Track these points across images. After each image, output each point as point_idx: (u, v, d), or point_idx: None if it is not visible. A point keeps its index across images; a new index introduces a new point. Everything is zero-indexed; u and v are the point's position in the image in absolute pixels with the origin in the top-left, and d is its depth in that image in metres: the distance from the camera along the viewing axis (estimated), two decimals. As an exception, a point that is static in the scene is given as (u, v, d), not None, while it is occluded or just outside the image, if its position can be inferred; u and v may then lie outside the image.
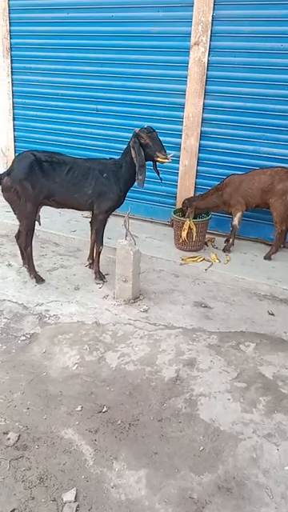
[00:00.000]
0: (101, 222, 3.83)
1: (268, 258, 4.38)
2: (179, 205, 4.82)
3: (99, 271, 3.98)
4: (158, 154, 3.58)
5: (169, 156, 3.62)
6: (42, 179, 3.56)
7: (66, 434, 2.38)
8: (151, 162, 3.71)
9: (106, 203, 3.73)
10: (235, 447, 2.31)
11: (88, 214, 4.12)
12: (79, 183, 3.64)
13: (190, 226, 4.32)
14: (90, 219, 3.97)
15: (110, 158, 3.84)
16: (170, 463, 2.23)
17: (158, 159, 3.62)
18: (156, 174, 3.83)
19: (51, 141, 5.68)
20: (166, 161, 3.63)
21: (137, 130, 3.60)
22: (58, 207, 3.86)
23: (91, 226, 3.99)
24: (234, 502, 2.05)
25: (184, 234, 4.34)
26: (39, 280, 3.87)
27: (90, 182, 3.66)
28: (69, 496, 2.03)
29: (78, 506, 2.00)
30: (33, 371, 2.83)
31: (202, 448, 2.31)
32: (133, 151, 3.56)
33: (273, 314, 3.55)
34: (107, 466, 2.21)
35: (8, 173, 3.58)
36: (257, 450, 2.30)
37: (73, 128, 5.53)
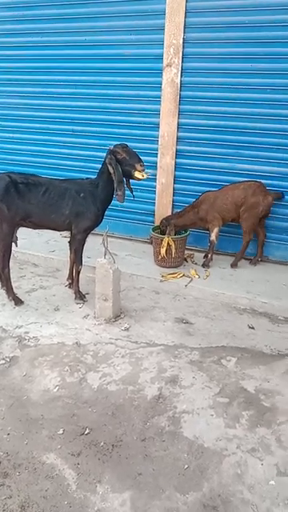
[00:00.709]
0: (79, 242, 3.83)
1: (234, 265, 4.54)
2: (158, 222, 4.86)
3: (79, 291, 3.96)
4: (136, 165, 3.61)
5: (146, 173, 3.66)
6: (18, 201, 3.55)
7: (47, 458, 2.33)
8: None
9: (84, 223, 3.74)
10: (220, 464, 2.30)
11: (67, 233, 4.12)
12: (56, 204, 3.65)
13: (168, 243, 4.35)
14: (68, 239, 3.97)
15: (87, 178, 3.86)
16: (154, 483, 2.20)
17: (137, 174, 3.63)
18: (129, 192, 3.86)
19: (28, 162, 5.69)
20: (144, 176, 3.65)
21: (111, 147, 3.64)
22: (36, 228, 3.85)
23: (70, 245, 3.98)
24: (220, 520, 2.03)
25: (163, 250, 4.37)
26: (18, 302, 3.82)
27: (66, 203, 3.66)
28: (51, 523, 1.98)
29: (61, 534, 1.95)
30: (13, 395, 2.78)
31: (186, 466, 2.29)
32: (110, 168, 3.59)
33: (253, 328, 3.58)
34: (91, 489, 2.17)
35: None
36: (241, 465, 2.29)
37: (50, 149, 5.55)
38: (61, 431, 2.50)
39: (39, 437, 2.47)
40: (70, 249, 3.98)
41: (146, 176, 3.67)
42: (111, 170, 3.59)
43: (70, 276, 4.13)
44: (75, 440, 2.45)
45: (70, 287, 4.13)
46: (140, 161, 3.64)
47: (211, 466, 2.28)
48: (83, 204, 3.69)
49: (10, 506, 2.07)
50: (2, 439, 2.44)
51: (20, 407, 2.68)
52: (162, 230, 4.59)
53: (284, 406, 2.66)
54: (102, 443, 2.42)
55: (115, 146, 3.65)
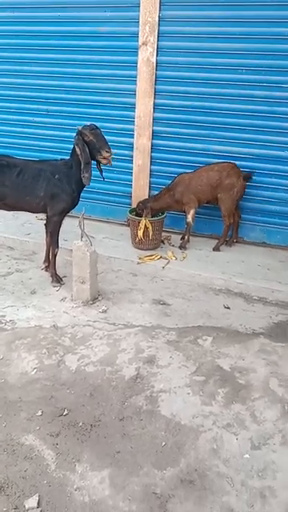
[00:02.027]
0: (55, 224, 3.78)
1: (217, 249, 4.55)
2: (135, 204, 4.84)
3: (56, 274, 3.94)
4: (101, 151, 3.55)
5: (111, 154, 3.58)
6: None
7: (26, 440, 2.35)
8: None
9: (60, 205, 3.70)
10: (196, 440, 2.36)
11: (42, 216, 4.07)
12: (30, 185, 3.58)
13: (145, 225, 4.35)
14: (44, 221, 3.92)
15: (61, 159, 3.80)
16: (132, 461, 2.25)
17: (102, 158, 3.59)
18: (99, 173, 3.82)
19: (2, 143, 5.55)
20: (108, 161, 3.59)
21: (80, 127, 3.58)
22: (10, 210, 3.79)
23: (46, 228, 3.93)
24: (197, 494, 2.09)
25: (140, 232, 4.37)
26: (-6, 286, 3.78)
27: (41, 184, 3.60)
28: (31, 502, 2.00)
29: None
30: (-10, 379, 2.77)
31: (164, 443, 2.34)
32: (77, 148, 3.54)
33: (228, 308, 3.65)
34: (70, 468, 2.20)
35: None
36: (217, 440, 2.36)
37: (24, 129, 5.42)
38: (39, 413, 2.51)
39: (17, 419, 2.48)
40: (46, 231, 3.94)
41: (109, 163, 3.62)
42: (78, 151, 3.54)
43: (47, 259, 4.09)
44: (54, 421, 2.47)
45: (46, 270, 4.09)
46: (106, 146, 3.57)
47: (188, 443, 2.34)
48: (58, 185, 3.64)
49: (-11, 488, 2.08)
50: (-20, 422, 2.44)
51: (-3, 390, 2.67)
52: (138, 213, 4.58)
53: (258, 382, 2.73)
54: (80, 423, 2.45)
55: (83, 126, 3.57)
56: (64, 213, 3.78)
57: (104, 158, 3.59)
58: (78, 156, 3.59)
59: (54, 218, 3.75)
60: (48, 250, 4.03)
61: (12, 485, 2.10)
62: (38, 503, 2.01)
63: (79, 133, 3.56)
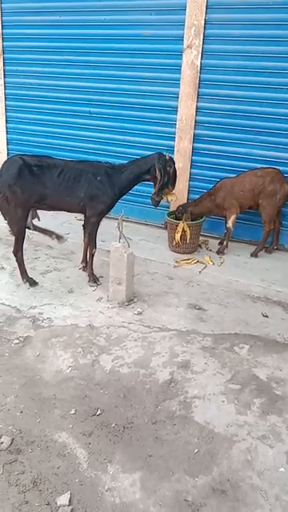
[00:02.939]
0: (93, 225, 3.82)
1: (255, 255, 4.46)
2: (173, 207, 4.82)
3: (93, 274, 3.97)
4: (169, 186, 3.78)
5: (171, 199, 3.95)
6: (32, 184, 3.54)
7: (59, 437, 2.37)
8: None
9: (99, 206, 3.73)
10: (230, 449, 2.31)
11: (81, 216, 4.11)
12: (71, 186, 3.63)
13: (183, 229, 4.32)
14: (82, 222, 3.97)
15: (106, 162, 3.83)
16: (164, 466, 2.22)
17: (167, 193, 3.84)
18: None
19: (44, 143, 5.67)
20: (167, 199, 3.93)
21: (168, 155, 3.75)
22: (50, 210, 3.85)
23: (84, 228, 3.98)
24: (229, 504, 2.04)
25: (178, 236, 4.35)
26: (32, 283, 3.85)
27: (82, 185, 3.64)
28: (63, 500, 2.01)
29: (72, 510, 1.98)
30: (26, 374, 2.81)
31: (196, 450, 2.31)
32: (159, 172, 3.67)
33: (267, 316, 3.56)
34: (101, 469, 2.20)
35: None
36: (251, 451, 2.30)
37: (66, 131, 5.52)
38: (73, 411, 2.53)
39: (51, 416, 2.50)
40: (84, 232, 3.98)
41: (169, 200, 3.96)
42: (158, 175, 3.68)
43: (84, 259, 4.14)
44: (87, 420, 2.48)
45: (84, 270, 4.14)
46: (174, 184, 3.82)
47: (221, 451, 2.30)
48: (99, 187, 3.67)
49: (23, 481, 2.11)
50: (16, 417, 2.48)
51: (33, 386, 2.72)
52: (177, 216, 4.56)
53: (296, 394, 2.65)
54: (113, 424, 2.45)
55: (171, 157, 3.77)
56: (102, 214, 3.81)
57: (167, 193, 3.84)
58: (138, 167, 3.72)
59: (92, 219, 3.79)
60: (86, 250, 4.07)
61: (45, 480, 2.12)
62: (70, 501, 2.02)
63: (168, 159, 3.72)
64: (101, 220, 3.85)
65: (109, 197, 3.71)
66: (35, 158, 3.66)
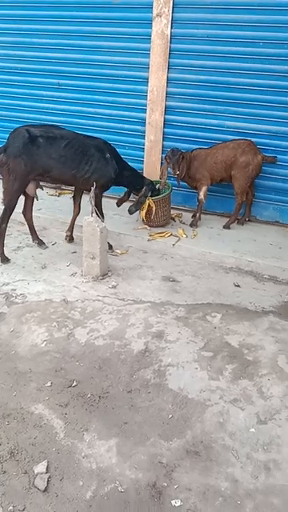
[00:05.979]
0: (97, 197, 3.77)
1: (227, 227, 4.52)
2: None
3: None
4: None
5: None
6: (37, 156, 3.53)
7: (36, 409, 2.39)
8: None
9: (104, 180, 3.81)
10: (203, 413, 2.38)
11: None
12: (77, 159, 3.63)
13: (149, 205, 4.28)
14: (71, 195, 4.02)
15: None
16: (139, 432, 2.28)
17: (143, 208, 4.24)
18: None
19: (13, 117, 5.50)
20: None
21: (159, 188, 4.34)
22: (53, 183, 3.86)
23: (74, 200, 4.07)
24: (202, 464, 2.12)
25: (143, 213, 4.32)
26: (4, 259, 3.80)
27: (91, 160, 3.69)
28: (40, 468, 2.06)
29: (49, 477, 2.03)
30: (1, 350, 2.81)
31: (170, 416, 2.37)
32: (143, 197, 4.17)
33: (238, 286, 3.63)
34: (78, 437, 2.24)
35: (4, 149, 3.54)
36: (223, 414, 2.38)
37: (34, 104, 5.37)
38: (49, 384, 2.56)
39: (27, 389, 2.52)
40: (74, 203, 4.08)
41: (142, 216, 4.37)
42: (143, 198, 4.15)
43: (71, 228, 4.19)
44: (63, 392, 2.51)
45: (69, 240, 4.20)
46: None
47: (194, 416, 2.37)
48: (108, 163, 3.78)
49: (0, 453, 2.13)
50: (-9, 391, 2.49)
51: (8, 361, 2.72)
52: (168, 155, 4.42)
53: (266, 359, 2.74)
54: (89, 395, 2.49)
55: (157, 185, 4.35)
56: (104, 189, 3.92)
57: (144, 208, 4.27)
58: (133, 179, 4.17)
59: (97, 191, 3.75)
60: (74, 220, 4.13)
61: (22, 451, 2.15)
62: (47, 469, 2.06)
63: (154, 189, 4.22)
64: (102, 193, 3.96)
65: (115, 171, 3.85)
66: (42, 128, 3.63)
